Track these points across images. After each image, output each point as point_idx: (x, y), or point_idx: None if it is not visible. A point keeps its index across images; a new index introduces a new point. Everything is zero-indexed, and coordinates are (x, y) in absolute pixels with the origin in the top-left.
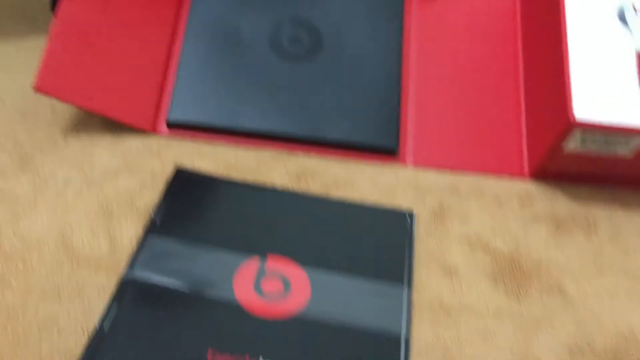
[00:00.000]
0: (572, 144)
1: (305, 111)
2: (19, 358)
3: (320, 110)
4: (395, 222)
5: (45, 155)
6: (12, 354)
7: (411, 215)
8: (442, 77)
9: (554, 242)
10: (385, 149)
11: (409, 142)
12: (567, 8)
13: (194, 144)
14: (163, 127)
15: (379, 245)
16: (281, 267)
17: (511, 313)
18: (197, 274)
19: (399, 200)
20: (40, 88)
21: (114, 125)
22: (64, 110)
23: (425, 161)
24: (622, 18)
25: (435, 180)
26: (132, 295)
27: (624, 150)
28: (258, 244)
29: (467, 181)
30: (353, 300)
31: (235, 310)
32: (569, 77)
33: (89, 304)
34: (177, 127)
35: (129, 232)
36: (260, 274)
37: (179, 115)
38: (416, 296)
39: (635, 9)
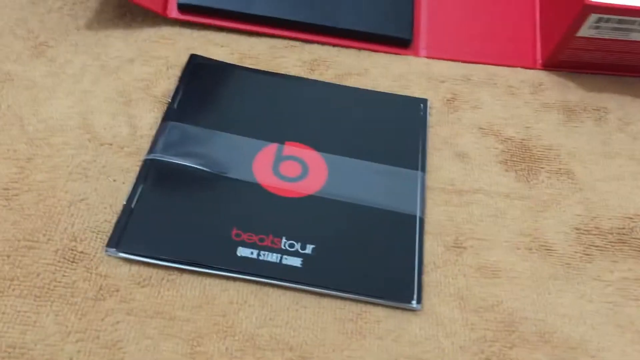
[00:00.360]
0: (587, 30)
1: None
2: (52, 233)
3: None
4: (409, 108)
5: (60, 43)
6: (46, 229)
7: (424, 102)
8: None
9: (564, 129)
10: (399, 40)
11: (422, 33)
12: None
13: (207, 33)
14: (174, 11)
15: (393, 130)
16: (298, 152)
17: (521, 195)
18: (217, 157)
19: (412, 89)
20: None
21: (125, 16)
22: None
23: (438, 53)
24: None
25: (447, 70)
26: (155, 174)
27: (638, 35)
28: (275, 131)
29: (480, 71)
30: (369, 182)
31: (256, 190)
32: None
33: (114, 184)
34: (189, 10)
35: (148, 118)
36: (279, 158)
37: None
38: (429, 179)
39: None
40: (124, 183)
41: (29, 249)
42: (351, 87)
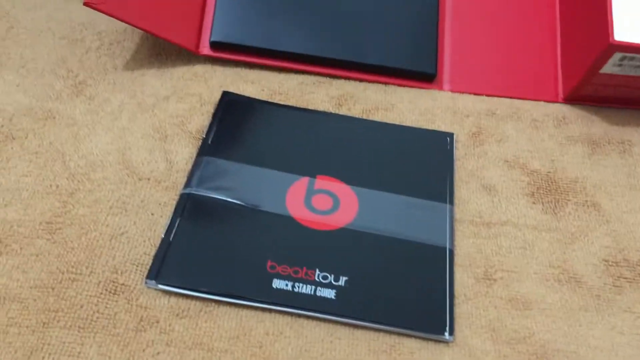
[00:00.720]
0: (610, 67)
1: (348, 35)
2: (95, 265)
3: (362, 35)
4: (436, 142)
5: (98, 82)
6: (89, 261)
7: (451, 136)
8: (478, 3)
9: (589, 162)
10: (424, 75)
11: (446, 68)
12: None
13: (238, 70)
14: (206, 48)
15: (421, 164)
16: (329, 186)
17: (549, 227)
18: (250, 191)
19: (438, 123)
20: (90, 1)
21: (160, 54)
22: (111, 39)
23: (462, 87)
24: None
25: (472, 104)
26: (192, 208)
27: None
28: (307, 165)
29: (503, 105)
30: (399, 215)
31: (289, 223)
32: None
33: (152, 217)
34: (220, 48)
35: (183, 153)
36: (310, 192)
37: (222, 36)
38: (458, 212)
39: None
40: (161, 216)
41: (72, 281)
42: (379, 122)
